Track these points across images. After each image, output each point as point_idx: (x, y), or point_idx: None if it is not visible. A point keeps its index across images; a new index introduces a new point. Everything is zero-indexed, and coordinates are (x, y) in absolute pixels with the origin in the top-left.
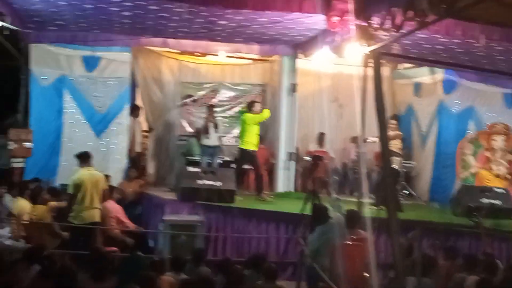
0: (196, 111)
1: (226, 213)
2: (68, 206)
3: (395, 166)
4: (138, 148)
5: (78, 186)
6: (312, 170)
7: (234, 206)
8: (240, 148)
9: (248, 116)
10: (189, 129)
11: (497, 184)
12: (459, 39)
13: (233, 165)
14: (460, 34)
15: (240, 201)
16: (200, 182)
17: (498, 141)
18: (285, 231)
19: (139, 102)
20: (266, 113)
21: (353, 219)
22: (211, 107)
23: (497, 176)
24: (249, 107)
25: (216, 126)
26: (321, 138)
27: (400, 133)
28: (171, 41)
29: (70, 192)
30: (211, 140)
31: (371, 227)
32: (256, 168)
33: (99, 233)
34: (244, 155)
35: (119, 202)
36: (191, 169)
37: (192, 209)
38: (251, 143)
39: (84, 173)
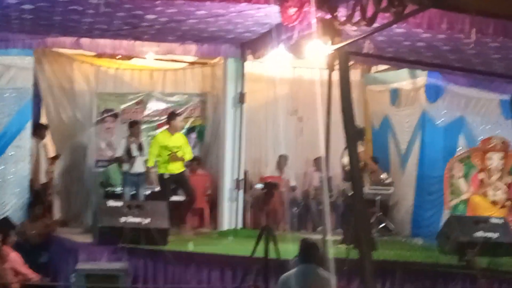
0: (118, 129)
1: (157, 258)
2: None
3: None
4: (43, 179)
5: None
6: (265, 201)
7: (167, 250)
8: (159, 175)
9: (163, 136)
10: (109, 153)
11: (494, 213)
12: (445, 34)
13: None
14: (446, 28)
15: (175, 243)
16: (123, 219)
17: (495, 160)
18: (232, 279)
19: (44, 119)
20: (187, 155)
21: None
22: (134, 124)
23: (494, 203)
24: (169, 120)
25: (141, 148)
26: (281, 162)
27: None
28: (85, 41)
29: None
30: (136, 166)
31: (339, 270)
32: (188, 196)
33: None
34: (165, 183)
35: (18, 247)
36: (111, 203)
37: (113, 254)
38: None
39: None
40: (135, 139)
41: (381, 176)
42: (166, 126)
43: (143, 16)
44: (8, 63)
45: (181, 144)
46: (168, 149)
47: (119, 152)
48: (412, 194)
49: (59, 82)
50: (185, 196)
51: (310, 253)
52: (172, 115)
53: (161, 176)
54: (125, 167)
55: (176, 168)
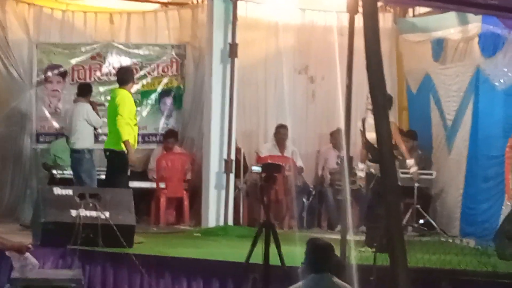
0: (67, 92)
1: (119, 264)
2: None
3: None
4: None
5: None
6: (264, 188)
7: (133, 253)
8: (115, 152)
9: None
10: (54, 124)
11: None
12: None
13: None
14: None
15: (143, 244)
16: (74, 213)
17: None
18: None
19: None
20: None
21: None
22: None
23: None
24: (125, 77)
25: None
26: (280, 134)
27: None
28: None
29: None
30: (89, 139)
31: (364, 280)
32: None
33: None
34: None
35: None
36: (58, 191)
37: (61, 259)
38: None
39: None
40: (93, 104)
41: (407, 162)
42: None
43: None
44: None
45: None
46: (134, 118)
47: (97, 121)
48: (462, 181)
49: None
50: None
51: (322, 259)
52: (129, 71)
53: (122, 154)
54: (90, 142)
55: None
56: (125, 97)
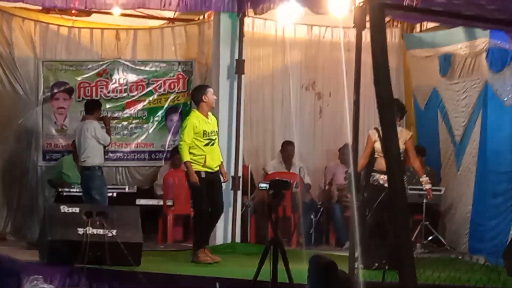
0: (73, 109)
1: (127, 282)
2: None
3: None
4: None
5: None
6: (272, 205)
7: (140, 271)
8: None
9: (197, 119)
10: (61, 141)
11: None
12: None
13: (143, 201)
14: None
15: (151, 262)
16: (81, 231)
17: None
18: None
19: None
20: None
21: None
22: (91, 103)
23: None
24: (196, 96)
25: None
26: (286, 151)
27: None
28: None
29: None
30: (99, 156)
31: None
32: (216, 207)
33: None
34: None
35: None
36: (65, 209)
37: (68, 277)
38: (209, 159)
39: None
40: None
41: (422, 178)
42: (194, 107)
43: None
44: None
45: (216, 129)
46: (206, 138)
47: (105, 138)
48: (470, 197)
49: None
50: (212, 206)
51: (324, 276)
52: (201, 89)
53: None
54: (100, 160)
55: (216, 163)
56: (188, 120)
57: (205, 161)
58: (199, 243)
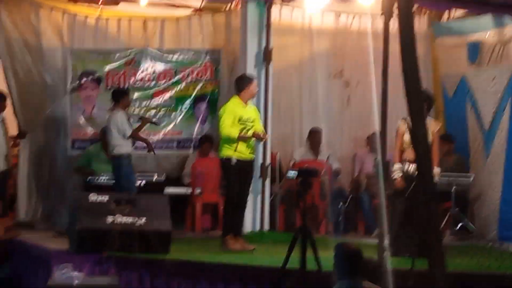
0: (102, 98)
1: (155, 270)
2: None
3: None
4: (2, 165)
5: None
6: (301, 194)
7: (169, 259)
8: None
9: (235, 105)
10: (89, 130)
11: None
12: None
13: (171, 189)
14: None
15: (180, 250)
16: (110, 219)
17: None
18: None
19: (2, 86)
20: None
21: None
22: (117, 93)
23: None
24: (240, 84)
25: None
26: (314, 138)
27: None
28: None
29: None
30: (126, 145)
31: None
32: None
33: None
34: (232, 170)
35: None
36: (93, 197)
37: (97, 265)
38: (242, 146)
39: None
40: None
41: (434, 170)
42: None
43: None
44: None
45: (255, 117)
46: (241, 123)
47: (126, 129)
48: (500, 184)
49: (21, 36)
50: (240, 193)
51: (350, 264)
52: (245, 79)
53: (227, 161)
54: (126, 148)
55: (248, 151)
56: (226, 106)
57: (237, 146)
58: (226, 229)
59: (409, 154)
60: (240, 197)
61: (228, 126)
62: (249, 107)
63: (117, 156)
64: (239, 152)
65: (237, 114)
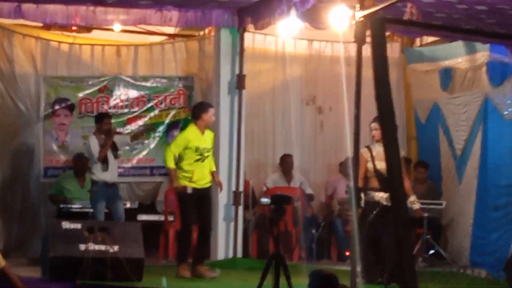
0: (75, 125)
1: None
2: None
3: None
4: None
5: None
6: (274, 220)
7: (142, 287)
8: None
9: (192, 134)
10: (62, 158)
11: None
12: None
13: (144, 216)
14: None
15: (153, 278)
16: (83, 247)
17: None
18: None
19: None
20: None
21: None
22: (104, 118)
23: None
24: (196, 111)
25: (116, 149)
26: (285, 163)
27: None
28: (28, 7)
29: None
30: (110, 173)
31: None
32: (205, 225)
33: None
34: (186, 200)
35: None
36: (66, 225)
37: None
38: (198, 175)
39: None
40: (106, 137)
41: (410, 199)
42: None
43: None
44: None
45: (211, 147)
46: (197, 154)
47: (94, 154)
48: (472, 210)
49: None
50: (200, 222)
51: None
52: (202, 106)
53: (182, 190)
54: (97, 175)
55: (204, 181)
56: (183, 133)
57: (192, 176)
58: (179, 257)
59: (373, 182)
60: (202, 226)
61: (171, 154)
62: (206, 135)
63: (95, 182)
64: (195, 181)
65: (193, 145)
